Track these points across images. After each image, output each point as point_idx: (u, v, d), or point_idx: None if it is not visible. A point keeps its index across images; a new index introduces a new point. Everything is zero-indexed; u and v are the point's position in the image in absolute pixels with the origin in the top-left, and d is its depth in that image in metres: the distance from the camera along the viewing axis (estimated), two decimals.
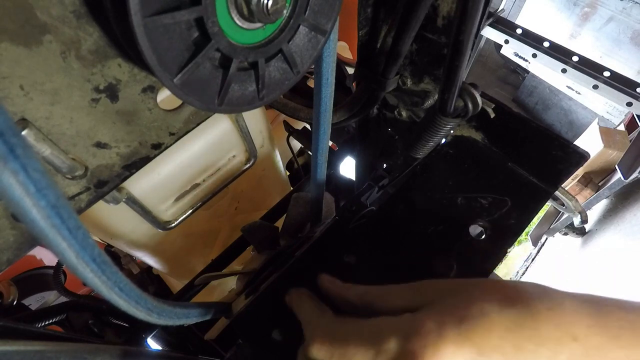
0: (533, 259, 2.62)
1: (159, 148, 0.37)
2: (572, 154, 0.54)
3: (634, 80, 1.27)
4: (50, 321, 0.53)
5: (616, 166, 1.61)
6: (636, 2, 2.22)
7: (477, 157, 0.60)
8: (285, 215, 0.61)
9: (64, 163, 0.28)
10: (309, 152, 0.98)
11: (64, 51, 0.26)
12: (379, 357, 0.24)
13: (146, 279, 1.02)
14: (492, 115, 0.54)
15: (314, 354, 0.29)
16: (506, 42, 1.52)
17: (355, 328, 0.26)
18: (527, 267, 2.65)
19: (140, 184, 0.52)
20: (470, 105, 0.52)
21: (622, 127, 2.59)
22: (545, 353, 0.23)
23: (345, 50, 1.10)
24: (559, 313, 0.23)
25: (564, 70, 1.38)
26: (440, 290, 0.28)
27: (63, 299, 0.60)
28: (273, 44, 0.27)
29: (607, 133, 2.37)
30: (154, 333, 0.72)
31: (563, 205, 0.79)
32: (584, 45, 2.51)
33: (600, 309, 0.24)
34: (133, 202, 0.50)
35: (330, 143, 0.55)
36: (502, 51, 2.69)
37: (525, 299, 0.24)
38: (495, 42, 1.57)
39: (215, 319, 0.45)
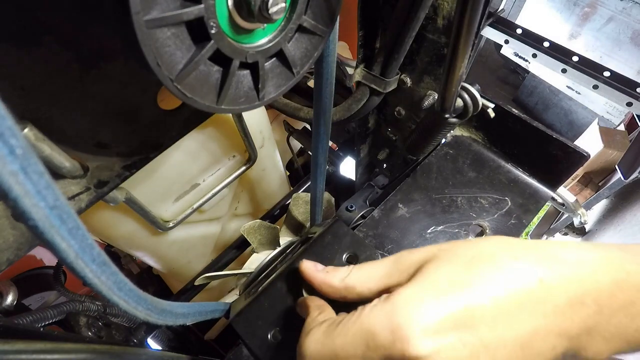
0: None
1: (159, 148, 0.37)
2: (572, 154, 0.54)
3: (634, 80, 1.26)
4: (50, 321, 0.53)
5: (616, 166, 1.61)
6: (636, 2, 2.22)
7: (477, 157, 0.60)
8: (285, 215, 0.61)
9: (64, 163, 0.28)
10: (309, 152, 0.98)
11: (65, 51, 0.26)
12: (378, 348, 0.24)
13: (146, 279, 1.02)
14: (492, 115, 0.54)
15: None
16: (506, 42, 1.52)
17: (347, 330, 0.26)
18: None
19: (140, 184, 0.52)
20: (470, 105, 0.52)
21: (622, 127, 2.59)
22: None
23: (345, 50, 1.10)
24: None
25: (564, 70, 1.38)
26: (415, 261, 0.28)
27: (63, 299, 0.60)
28: (273, 44, 0.27)
29: (607, 133, 2.37)
30: (154, 333, 0.72)
31: (563, 205, 0.79)
32: (584, 45, 2.51)
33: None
34: (133, 202, 0.50)
35: (330, 143, 0.55)
36: (502, 51, 2.69)
37: (489, 256, 0.25)
38: (495, 42, 1.57)
39: (215, 319, 0.45)
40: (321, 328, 0.29)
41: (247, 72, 0.28)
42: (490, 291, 0.23)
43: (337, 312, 0.33)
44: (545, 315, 0.23)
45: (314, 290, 0.36)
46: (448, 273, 0.25)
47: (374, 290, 0.30)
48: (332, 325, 0.28)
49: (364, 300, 0.30)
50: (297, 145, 0.97)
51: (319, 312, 0.32)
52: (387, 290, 0.29)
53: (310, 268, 0.35)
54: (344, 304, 0.32)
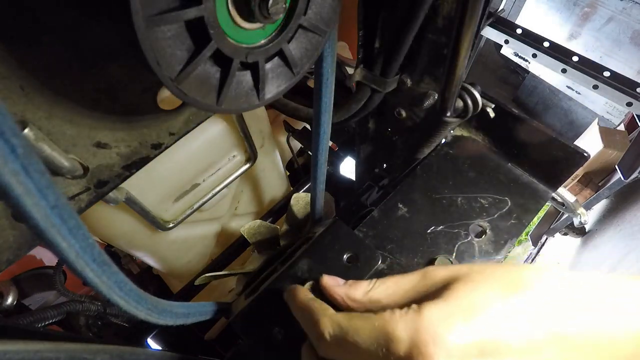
0: (533, 259, 2.62)
1: (159, 148, 0.37)
2: (572, 154, 0.54)
3: (634, 80, 1.27)
4: (50, 321, 0.53)
5: (616, 166, 1.61)
6: (636, 2, 2.22)
7: (477, 156, 0.60)
8: (285, 215, 0.61)
9: (64, 163, 0.28)
10: (309, 152, 0.98)
11: (65, 51, 0.26)
12: (389, 352, 0.24)
13: (146, 279, 1.02)
14: (492, 115, 0.54)
15: (325, 352, 0.28)
16: (506, 42, 1.52)
17: (364, 324, 0.26)
18: None
19: (140, 184, 0.52)
20: (470, 105, 0.52)
21: (622, 127, 2.59)
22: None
23: (345, 50, 1.10)
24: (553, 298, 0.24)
25: (564, 70, 1.38)
26: (444, 278, 0.27)
27: (63, 299, 0.60)
28: (273, 44, 0.27)
29: (607, 133, 2.37)
30: (154, 333, 0.72)
31: (563, 205, 0.79)
32: (584, 45, 2.51)
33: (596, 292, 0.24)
34: (133, 202, 0.50)
35: (330, 143, 0.55)
36: (502, 51, 2.69)
37: (526, 283, 0.25)
38: (495, 42, 1.57)
39: (215, 319, 0.45)
40: (340, 314, 0.29)
41: (247, 72, 0.28)
42: (522, 324, 0.23)
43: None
44: (576, 355, 0.22)
45: (316, 292, 0.36)
46: (482, 297, 0.24)
47: (400, 304, 0.28)
48: (353, 315, 0.28)
49: None
50: (297, 145, 0.97)
51: (322, 308, 0.31)
52: (411, 304, 0.28)
53: (331, 283, 0.34)
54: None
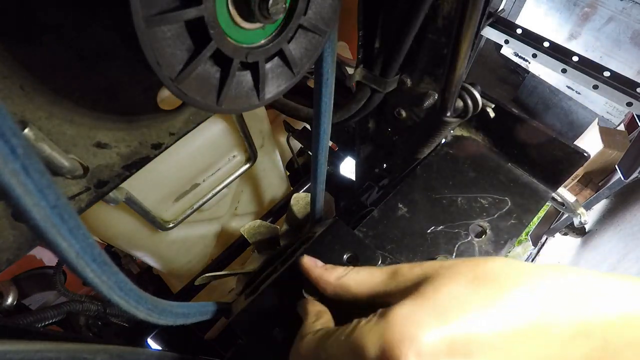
0: (533, 259, 2.62)
1: (159, 148, 0.37)
2: (572, 154, 0.54)
3: (634, 80, 1.27)
4: (50, 321, 0.53)
5: (616, 166, 1.61)
6: (636, 2, 2.22)
7: (477, 157, 0.60)
8: (285, 215, 0.61)
9: (64, 163, 0.28)
10: (309, 152, 0.98)
11: (65, 51, 0.26)
12: None
13: (146, 279, 1.02)
14: (492, 115, 0.54)
15: None
16: (506, 42, 1.52)
17: (338, 342, 0.26)
18: None
19: (140, 184, 0.52)
20: (470, 105, 0.52)
21: (622, 127, 2.60)
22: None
23: (345, 50, 1.10)
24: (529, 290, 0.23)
25: (564, 70, 1.39)
26: (413, 276, 0.27)
27: (63, 299, 0.60)
28: (273, 44, 0.27)
29: (607, 133, 2.37)
30: (154, 333, 0.72)
31: (563, 205, 0.79)
32: (584, 45, 2.51)
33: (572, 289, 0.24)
34: (133, 202, 0.50)
35: (330, 143, 0.55)
36: (502, 51, 2.69)
37: (493, 277, 0.24)
38: (495, 42, 1.57)
39: (215, 319, 0.45)
40: (316, 336, 0.29)
41: (247, 72, 0.28)
42: (491, 318, 0.22)
43: (336, 318, 0.33)
44: (546, 346, 0.22)
45: (314, 291, 0.36)
46: (448, 293, 0.24)
47: (366, 295, 0.30)
48: (326, 335, 0.28)
49: (361, 304, 0.30)
50: (297, 145, 0.97)
51: (316, 319, 0.32)
52: (380, 298, 0.29)
53: (310, 263, 0.36)
54: (344, 311, 0.32)
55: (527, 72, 3.17)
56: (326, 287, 0.33)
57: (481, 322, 0.22)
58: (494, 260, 0.26)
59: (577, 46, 2.53)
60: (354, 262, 0.44)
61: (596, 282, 0.23)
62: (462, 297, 0.24)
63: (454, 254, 0.50)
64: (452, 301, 0.24)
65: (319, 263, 0.36)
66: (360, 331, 0.25)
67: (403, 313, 0.24)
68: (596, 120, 2.59)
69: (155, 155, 0.37)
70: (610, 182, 1.75)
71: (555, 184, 0.57)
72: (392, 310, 0.24)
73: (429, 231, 0.52)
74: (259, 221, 0.59)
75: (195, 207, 0.62)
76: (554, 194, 0.58)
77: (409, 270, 0.28)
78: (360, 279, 0.31)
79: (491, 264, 0.25)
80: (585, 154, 0.54)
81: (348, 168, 0.98)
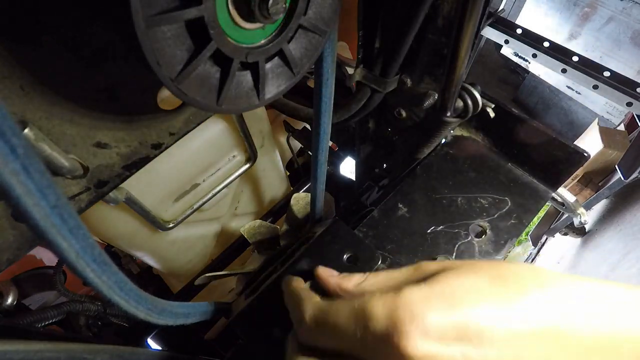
0: (533, 259, 2.62)
1: (159, 148, 0.37)
2: (572, 154, 0.54)
3: (634, 80, 1.27)
4: (50, 321, 0.53)
5: (616, 166, 1.61)
6: (636, 2, 2.22)
7: (477, 157, 0.60)
8: (285, 215, 0.61)
9: (64, 163, 0.28)
10: (309, 152, 0.98)
11: (65, 51, 0.26)
12: (367, 331, 0.24)
13: (146, 279, 1.02)
14: (492, 115, 0.54)
15: (305, 336, 0.28)
16: (506, 42, 1.52)
17: (343, 306, 0.26)
18: None
19: (140, 184, 0.52)
20: (470, 105, 0.52)
21: (622, 127, 2.60)
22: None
23: (345, 50, 1.10)
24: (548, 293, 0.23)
25: (564, 70, 1.39)
26: (433, 269, 0.27)
27: (63, 299, 0.60)
28: (273, 44, 0.27)
29: (607, 133, 2.37)
30: (154, 333, 0.72)
31: (563, 205, 0.79)
32: (584, 45, 2.51)
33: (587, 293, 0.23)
34: (133, 202, 0.50)
35: (330, 143, 0.55)
36: (502, 51, 2.69)
37: (516, 277, 0.24)
38: (495, 42, 1.57)
39: (215, 319, 0.45)
40: (323, 298, 0.29)
41: (247, 72, 0.28)
42: (508, 315, 0.22)
43: None
44: (562, 352, 0.22)
45: (321, 293, 0.36)
46: (468, 284, 0.24)
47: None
48: (335, 299, 0.28)
49: None
50: (297, 145, 0.97)
51: (308, 295, 0.32)
52: None
53: (325, 273, 0.35)
54: None
55: (527, 72, 3.17)
56: (346, 295, 0.32)
57: (497, 316, 0.22)
58: (518, 264, 0.26)
59: (577, 46, 2.53)
60: (354, 262, 0.44)
61: (623, 295, 0.23)
62: (481, 290, 0.24)
63: (454, 254, 0.50)
64: (470, 291, 0.24)
65: (334, 272, 0.35)
66: (371, 301, 0.25)
67: (418, 293, 0.24)
68: (596, 120, 2.59)
69: (155, 155, 0.37)
70: (610, 182, 1.75)
71: (555, 184, 0.58)
72: (407, 288, 0.24)
73: (429, 231, 0.52)
74: (259, 221, 0.59)
75: (195, 207, 0.62)
76: (554, 194, 0.58)
77: (429, 264, 0.28)
78: (381, 283, 0.30)
79: (515, 266, 0.25)
80: (585, 154, 0.54)
81: (348, 168, 0.98)
